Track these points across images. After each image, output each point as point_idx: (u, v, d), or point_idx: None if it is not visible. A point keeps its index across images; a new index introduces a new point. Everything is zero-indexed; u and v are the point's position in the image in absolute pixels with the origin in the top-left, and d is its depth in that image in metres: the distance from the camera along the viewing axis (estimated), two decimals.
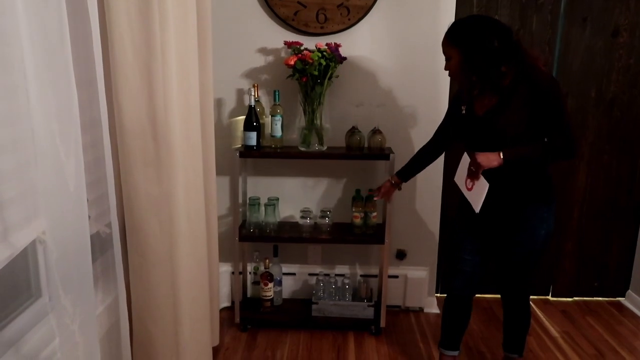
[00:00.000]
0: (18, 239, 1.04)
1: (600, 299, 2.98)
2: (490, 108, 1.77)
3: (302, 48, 2.35)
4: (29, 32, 0.96)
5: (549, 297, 2.98)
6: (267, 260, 2.59)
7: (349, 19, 2.44)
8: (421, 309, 2.80)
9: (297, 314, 2.63)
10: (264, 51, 2.52)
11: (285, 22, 2.45)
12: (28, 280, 1.30)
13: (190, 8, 1.59)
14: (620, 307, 2.91)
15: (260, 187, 2.67)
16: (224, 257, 2.65)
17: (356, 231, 2.52)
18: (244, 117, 2.42)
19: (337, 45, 2.34)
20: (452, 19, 2.33)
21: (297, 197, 2.70)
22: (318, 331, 2.57)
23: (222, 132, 2.56)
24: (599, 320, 2.75)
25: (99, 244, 1.41)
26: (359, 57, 2.51)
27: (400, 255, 2.76)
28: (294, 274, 2.79)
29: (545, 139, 1.76)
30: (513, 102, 1.71)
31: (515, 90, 1.71)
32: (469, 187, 1.81)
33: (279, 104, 2.41)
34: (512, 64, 1.71)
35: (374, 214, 2.50)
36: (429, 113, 2.52)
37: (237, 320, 2.58)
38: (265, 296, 2.60)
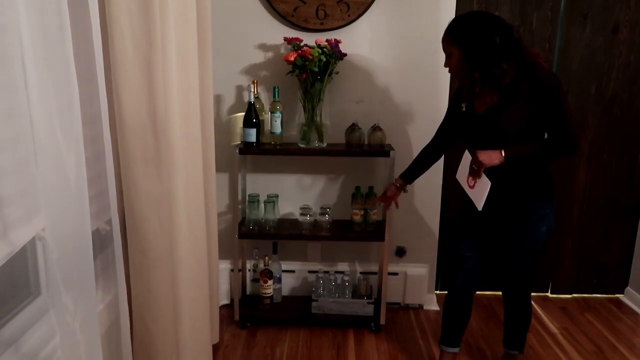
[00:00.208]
0: (17, 236, 1.03)
1: (599, 295, 2.98)
2: (491, 106, 1.77)
3: (302, 44, 2.33)
4: (29, 26, 0.94)
5: (548, 294, 2.99)
6: (267, 258, 2.59)
7: (349, 15, 2.43)
8: (421, 306, 2.80)
9: (296, 311, 2.62)
10: (263, 47, 2.51)
11: (284, 18, 2.44)
12: (27, 278, 1.29)
13: (190, 3, 1.57)
14: (619, 304, 2.91)
15: (260, 184, 2.66)
16: (223, 254, 2.63)
17: (356, 228, 2.51)
18: (243, 113, 2.41)
19: (337, 42, 2.33)
20: (453, 15, 2.31)
21: (297, 194, 2.69)
22: (318, 328, 2.56)
23: (221, 128, 2.55)
24: (598, 316, 2.76)
25: (98, 241, 1.39)
26: (359, 53, 2.49)
27: (400, 252, 2.76)
28: (293, 271, 2.79)
29: (547, 137, 1.76)
30: (514, 99, 1.71)
31: (517, 88, 1.70)
32: (471, 185, 1.81)
33: (278, 101, 2.40)
34: (513, 61, 1.70)
35: (374, 211, 2.49)
36: (430, 110, 2.52)
37: (237, 317, 2.57)
38: (265, 293, 2.59)
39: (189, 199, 1.67)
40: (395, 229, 2.60)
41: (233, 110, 2.58)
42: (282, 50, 2.48)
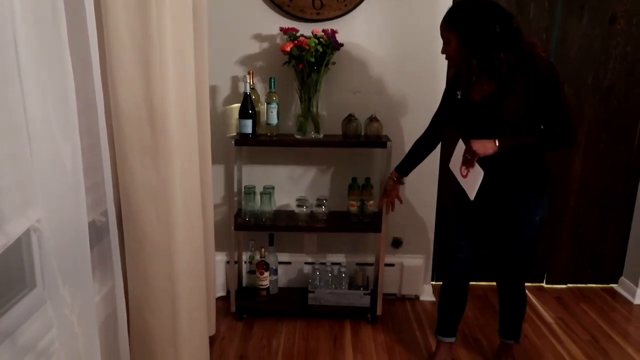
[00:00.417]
0: (12, 228, 1.01)
1: (593, 285, 3.00)
2: (488, 94, 1.75)
3: (298, 34, 2.31)
4: (23, 15, 0.92)
5: (544, 284, 3.00)
6: (263, 249, 2.58)
7: (346, 5, 2.40)
8: (417, 297, 2.81)
9: (293, 303, 2.62)
10: (259, 37, 2.48)
11: (280, 8, 2.41)
12: (22, 271, 1.28)
13: None
14: (613, 293, 2.94)
15: (256, 175, 2.64)
16: (219, 246, 2.62)
17: (353, 219, 2.51)
18: (239, 104, 2.39)
19: (334, 32, 2.31)
20: (450, 4, 2.30)
21: (293, 185, 2.68)
22: (314, 320, 2.56)
23: (217, 120, 2.53)
24: (593, 306, 2.78)
25: (94, 233, 1.38)
26: (355, 43, 2.47)
27: (396, 243, 2.76)
28: (289, 262, 2.78)
29: (543, 127, 1.75)
30: (512, 89, 1.70)
31: (515, 77, 1.69)
32: (464, 174, 1.80)
33: (274, 92, 2.38)
34: (512, 50, 1.69)
35: (371, 202, 2.49)
36: (427, 100, 2.50)
37: (233, 309, 2.57)
38: (261, 285, 2.58)
39: (185, 190, 1.65)
40: (392, 220, 2.60)
41: (229, 101, 2.56)
42: (278, 41, 2.46)
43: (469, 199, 1.79)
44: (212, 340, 2.32)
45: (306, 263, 2.78)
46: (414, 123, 2.52)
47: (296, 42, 2.25)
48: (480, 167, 1.72)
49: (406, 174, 2.18)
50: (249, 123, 2.35)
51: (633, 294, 2.84)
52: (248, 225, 2.50)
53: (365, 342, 2.40)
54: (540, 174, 1.85)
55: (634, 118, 2.76)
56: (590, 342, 2.42)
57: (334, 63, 2.39)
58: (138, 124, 1.35)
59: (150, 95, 1.34)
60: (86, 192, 1.30)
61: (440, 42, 1.80)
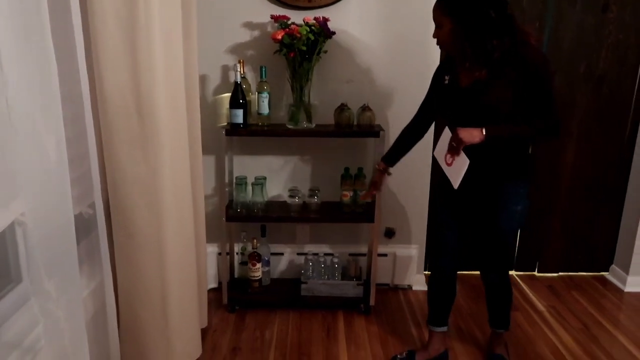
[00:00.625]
0: None
1: (584, 274, 3.02)
2: (477, 81, 1.71)
3: (289, 22, 2.27)
4: None
5: (535, 273, 3.01)
6: (255, 241, 2.55)
7: None
8: (410, 287, 2.81)
9: (285, 294, 2.60)
10: (249, 26, 2.43)
11: None
12: (7, 265, 1.24)
13: None
14: (604, 281, 2.96)
15: (247, 166, 2.61)
16: (210, 237, 2.59)
17: (345, 210, 2.49)
18: (229, 94, 2.35)
19: (326, 20, 2.27)
20: None
21: (285, 176, 2.65)
22: (307, 311, 2.55)
23: (207, 109, 2.48)
24: (584, 294, 2.80)
25: (82, 226, 1.35)
26: (348, 31, 2.44)
27: (389, 233, 2.74)
28: (282, 253, 2.76)
29: (529, 117, 1.72)
30: (502, 77, 1.67)
31: (505, 65, 1.67)
32: (449, 162, 1.78)
33: (265, 81, 2.34)
34: (505, 37, 1.66)
35: (363, 192, 2.46)
36: (420, 89, 2.44)
37: (225, 301, 2.54)
38: (254, 277, 2.56)
39: (175, 180, 1.62)
40: (385, 210, 2.58)
41: (219, 90, 2.51)
42: (269, 29, 2.42)
43: (452, 187, 1.77)
44: (204, 332, 2.30)
45: (299, 254, 2.76)
46: (407, 112, 2.47)
47: (287, 30, 2.21)
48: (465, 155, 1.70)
49: (393, 164, 2.13)
50: (239, 113, 2.31)
51: (624, 282, 2.86)
52: (240, 217, 2.47)
53: (359, 332, 2.39)
54: (524, 164, 1.83)
55: (625, 107, 2.75)
56: (581, 330, 2.43)
57: (325, 51, 2.35)
58: (125, 112, 1.31)
59: (138, 83, 1.30)
60: (73, 184, 1.26)
61: (433, 28, 1.77)
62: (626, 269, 2.86)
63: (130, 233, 1.39)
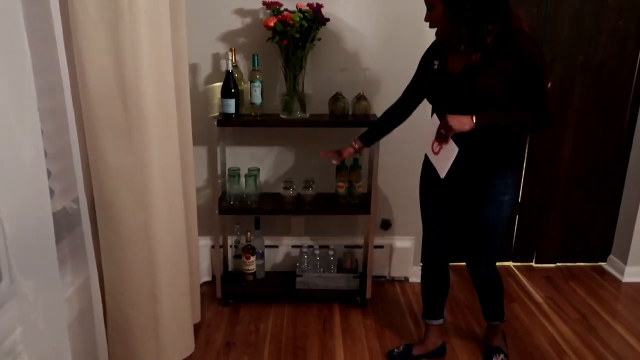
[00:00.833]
0: None
1: (582, 264, 3.00)
2: (467, 66, 1.65)
3: (282, 9, 2.20)
4: None
5: (533, 264, 2.99)
6: (249, 233, 2.51)
7: None
8: (406, 279, 2.77)
9: (280, 287, 2.56)
10: (240, 12, 2.36)
11: None
12: None
13: None
14: (602, 271, 2.93)
15: (240, 157, 2.56)
16: (203, 230, 2.55)
17: (341, 201, 2.44)
18: (220, 83, 2.28)
19: (319, 6, 2.20)
20: None
21: (279, 167, 2.60)
22: (303, 304, 2.51)
23: (198, 99, 2.42)
24: (582, 285, 2.77)
25: (66, 221, 1.29)
26: (342, 18, 2.37)
27: (385, 225, 2.70)
28: (276, 246, 2.72)
29: (519, 107, 1.67)
30: (493, 63, 1.61)
31: (497, 51, 1.60)
32: (436, 151, 1.72)
33: (258, 69, 2.28)
34: (499, 21, 1.60)
35: (359, 183, 2.42)
36: None
37: (219, 295, 2.50)
38: (248, 270, 2.52)
39: (164, 173, 1.57)
40: (381, 202, 2.54)
41: (210, 80, 2.45)
42: (261, 16, 2.35)
43: (438, 177, 1.73)
44: (198, 327, 2.26)
45: (293, 246, 2.72)
46: None
47: (280, 16, 2.15)
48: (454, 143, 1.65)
49: (369, 145, 2.11)
50: (231, 103, 2.25)
51: (621, 272, 2.84)
52: (233, 209, 2.42)
53: (355, 326, 2.36)
54: (513, 154, 1.79)
55: (624, 95, 2.71)
56: (579, 321, 2.41)
57: (319, 39, 2.29)
58: (109, 103, 1.25)
59: (121, 72, 1.23)
60: (56, 178, 1.21)
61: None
62: (624, 259, 2.83)
63: (115, 228, 1.33)
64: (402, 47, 2.42)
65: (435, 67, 1.77)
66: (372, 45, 2.42)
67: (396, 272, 2.76)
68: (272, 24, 2.15)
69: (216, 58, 2.42)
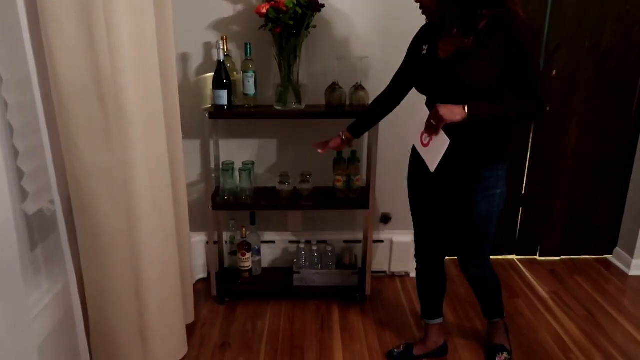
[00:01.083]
0: None
1: (587, 257, 2.92)
2: (459, 52, 1.56)
3: None
4: None
5: (537, 257, 2.91)
6: (244, 229, 2.43)
7: None
8: (407, 274, 2.70)
9: (277, 284, 2.49)
10: None
11: None
12: None
13: None
14: (607, 264, 2.86)
15: (234, 150, 2.47)
16: (198, 226, 2.47)
17: (339, 195, 2.36)
18: (212, 74, 2.19)
19: None
20: None
21: (275, 160, 2.51)
22: (300, 301, 2.44)
23: (189, 91, 2.33)
24: (588, 279, 2.70)
25: (43, 223, 1.21)
26: (338, 4, 2.27)
27: (385, 219, 2.62)
28: (273, 242, 2.64)
29: (513, 96, 1.57)
30: (486, 48, 1.51)
31: (491, 36, 1.50)
32: (425, 143, 1.62)
33: (251, 59, 2.19)
34: (494, 5, 1.50)
35: (357, 177, 2.34)
36: None
37: (214, 292, 2.43)
38: (244, 267, 2.45)
39: (151, 170, 1.49)
40: (380, 195, 2.46)
41: (201, 70, 2.35)
42: (254, 2, 2.25)
43: (427, 170, 1.63)
44: (192, 326, 2.20)
45: (291, 242, 2.64)
46: None
47: (273, 3, 2.05)
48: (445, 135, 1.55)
49: (358, 136, 2.04)
50: (223, 94, 2.16)
51: (628, 265, 2.76)
52: (227, 204, 2.34)
53: (354, 323, 2.29)
54: (505, 145, 1.69)
55: (631, 82, 2.61)
56: (585, 317, 2.34)
57: (314, 26, 2.19)
58: (84, 98, 1.15)
59: (96, 63, 1.14)
60: (30, 178, 1.13)
61: None
62: (631, 251, 2.75)
63: (94, 232, 1.25)
64: (401, 34, 2.30)
65: (424, 52, 1.67)
66: (370, 32, 2.32)
67: (397, 267, 2.68)
68: (264, 10, 2.05)
69: (208, 47, 2.33)
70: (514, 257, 2.91)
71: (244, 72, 2.20)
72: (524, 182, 2.75)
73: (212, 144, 2.37)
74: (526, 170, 2.73)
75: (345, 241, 2.63)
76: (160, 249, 1.56)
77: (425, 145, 1.62)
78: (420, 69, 1.71)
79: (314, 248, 2.52)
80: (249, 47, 2.18)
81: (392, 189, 2.56)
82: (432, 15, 1.61)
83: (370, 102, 2.28)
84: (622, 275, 2.75)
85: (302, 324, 2.29)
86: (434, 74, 1.65)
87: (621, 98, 2.63)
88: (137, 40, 1.35)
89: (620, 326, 2.29)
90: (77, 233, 1.26)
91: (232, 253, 2.53)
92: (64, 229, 1.15)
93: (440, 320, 2.05)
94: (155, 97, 1.51)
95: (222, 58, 2.13)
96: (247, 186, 2.35)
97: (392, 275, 2.70)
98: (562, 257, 2.91)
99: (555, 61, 2.55)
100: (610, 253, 2.91)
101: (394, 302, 2.46)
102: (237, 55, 2.31)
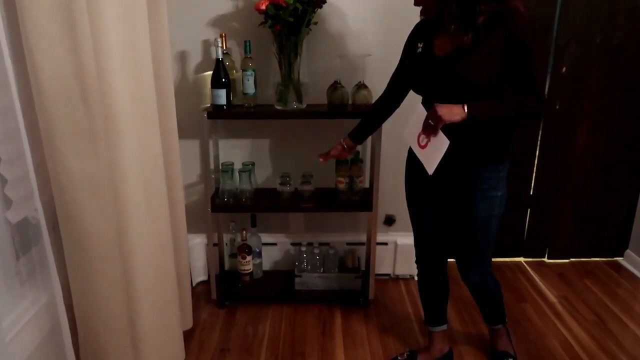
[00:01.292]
0: None
1: (597, 259, 2.84)
2: (457, 50, 1.49)
3: None
4: None
5: (545, 259, 2.84)
6: (244, 231, 2.37)
7: None
8: (412, 277, 2.64)
9: (279, 288, 2.44)
10: None
11: None
12: None
13: None
14: (618, 267, 2.78)
15: (234, 151, 2.41)
16: (197, 228, 2.43)
17: (341, 197, 2.30)
18: (211, 72, 2.13)
19: None
20: None
21: (275, 161, 2.45)
22: (302, 305, 2.39)
23: (187, 90, 2.28)
24: (597, 282, 2.62)
25: (28, 232, 1.16)
26: (338, 1, 2.20)
27: (389, 221, 2.56)
28: (274, 244, 2.59)
29: (512, 94, 1.50)
30: (485, 46, 1.44)
31: (490, 33, 1.44)
32: (423, 144, 1.55)
33: (250, 57, 2.13)
34: (493, 0, 1.42)
35: (360, 178, 2.28)
36: None
37: (214, 296, 2.38)
38: (244, 270, 2.39)
39: (144, 172, 1.43)
40: (383, 196, 2.39)
41: (200, 69, 2.29)
42: None
43: (425, 173, 1.56)
44: (191, 331, 2.16)
45: (292, 244, 2.59)
46: None
47: None
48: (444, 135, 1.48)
49: (360, 142, 2.00)
50: (222, 93, 2.11)
51: (639, 268, 2.68)
52: (227, 206, 2.29)
53: (357, 329, 2.23)
54: (505, 145, 1.62)
55: None
56: (595, 323, 2.27)
57: (315, 23, 2.13)
58: (67, 100, 1.09)
59: (80, 65, 1.08)
60: (13, 185, 1.07)
61: None
62: None
63: (80, 242, 1.20)
64: (405, 31, 2.23)
65: (419, 50, 1.61)
66: (373, 29, 2.25)
67: (401, 270, 2.62)
68: (263, 7, 1.99)
69: (206, 45, 2.27)
70: (521, 259, 2.84)
71: (243, 70, 2.14)
72: (532, 183, 2.68)
73: (211, 144, 2.31)
74: (534, 170, 2.66)
75: (348, 243, 2.57)
76: (154, 255, 1.51)
77: (422, 147, 1.56)
78: (416, 67, 1.65)
79: (316, 251, 2.46)
80: (248, 44, 2.12)
81: (395, 190, 2.48)
82: (429, 12, 1.54)
83: (373, 101, 2.22)
84: (633, 278, 2.67)
85: (304, 328, 2.24)
86: (429, 73, 1.58)
87: (632, 96, 2.54)
88: (128, 40, 1.29)
89: (631, 332, 2.21)
90: (63, 241, 1.20)
91: (233, 255, 2.48)
92: (48, 239, 1.09)
93: (444, 327, 1.99)
94: (149, 97, 1.45)
95: (220, 56, 2.07)
96: (247, 187, 2.29)
97: (396, 278, 2.64)
98: (572, 259, 2.84)
99: (565, 58, 2.47)
100: (621, 255, 2.83)
101: (398, 306, 2.40)
102: (236, 53, 2.25)
